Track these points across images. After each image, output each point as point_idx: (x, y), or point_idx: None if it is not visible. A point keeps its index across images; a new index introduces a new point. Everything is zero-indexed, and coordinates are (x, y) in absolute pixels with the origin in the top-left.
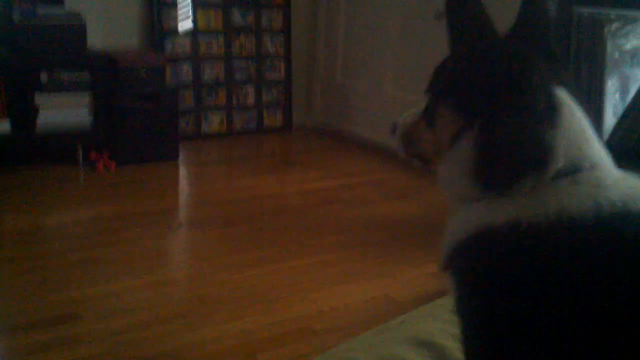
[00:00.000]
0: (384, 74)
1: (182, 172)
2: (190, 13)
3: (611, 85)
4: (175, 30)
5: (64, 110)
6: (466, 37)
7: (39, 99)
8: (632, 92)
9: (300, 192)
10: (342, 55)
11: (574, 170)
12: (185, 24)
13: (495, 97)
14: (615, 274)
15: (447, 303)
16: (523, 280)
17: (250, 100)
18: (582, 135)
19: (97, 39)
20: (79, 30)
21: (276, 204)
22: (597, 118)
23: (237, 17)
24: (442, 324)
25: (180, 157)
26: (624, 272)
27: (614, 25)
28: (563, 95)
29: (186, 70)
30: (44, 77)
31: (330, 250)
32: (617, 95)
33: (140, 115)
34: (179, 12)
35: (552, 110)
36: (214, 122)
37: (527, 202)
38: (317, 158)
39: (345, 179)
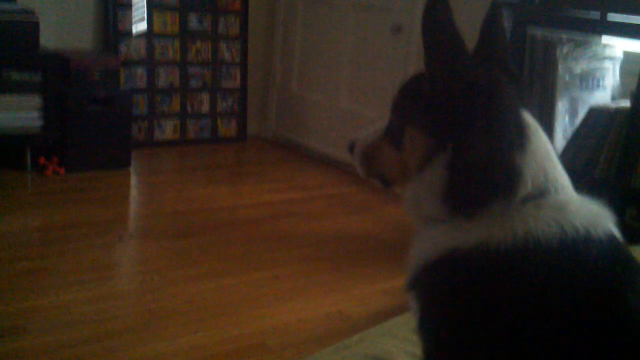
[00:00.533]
0: (339, 87)
1: (134, 180)
2: (146, 15)
3: (561, 107)
4: (130, 33)
5: (12, 112)
6: (439, 56)
7: None
8: (580, 115)
9: (253, 204)
10: (299, 65)
11: (541, 194)
12: (140, 26)
13: (468, 119)
14: (577, 298)
15: (404, 321)
16: (489, 302)
17: (205, 108)
18: (548, 158)
19: (50, 39)
20: (32, 28)
21: (229, 216)
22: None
23: (193, 21)
24: (400, 342)
25: (132, 165)
26: (586, 296)
27: (566, 48)
28: (530, 119)
29: (140, 74)
30: None
31: (283, 265)
32: (567, 117)
33: (92, 119)
34: (134, 13)
35: (521, 134)
36: (167, 129)
37: (495, 225)
38: (271, 170)
39: (299, 192)
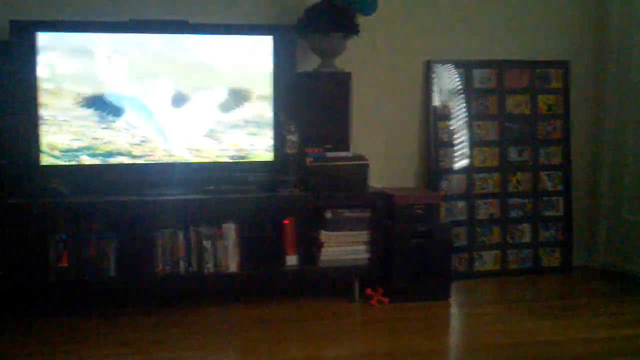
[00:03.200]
0: None
1: (454, 311)
2: (467, 152)
3: None
4: (451, 169)
5: (345, 247)
6: None
7: (324, 235)
8: None
9: (582, 340)
10: (630, 189)
11: None
12: (461, 163)
13: None
14: None
15: None
16: None
17: (527, 237)
18: None
19: (377, 179)
20: (362, 171)
21: (554, 352)
22: None
23: (513, 154)
24: None
25: (453, 296)
26: None
27: None
28: None
29: (461, 207)
30: (328, 215)
31: None
32: None
33: (414, 252)
34: (456, 151)
35: None
36: (487, 260)
37: None
38: (601, 303)
39: (635, 328)
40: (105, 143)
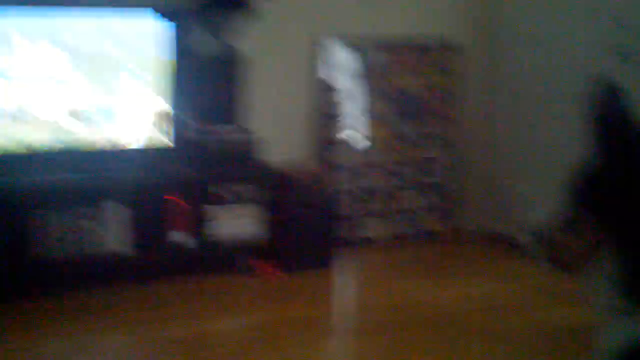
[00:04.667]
0: (548, 176)
1: (342, 278)
2: (353, 123)
3: None
4: (338, 141)
5: (234, 221)
6: (614, 143)
7: (212, 210)
8: None
9: (459, 298)
10: (503, 156)
11: None
12: (348, 134)
13: None
14: None
15: None
16: None
17: (409, 205)
18: None
19: (266, 152)
20: (250, 144)
21: (433, 310)
22: None
23: (399, 126)
24: None
25: (341, 263)
26: None
27: None
28: None
29: (346, 177)
30: (216, 190)
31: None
32: None
33: (303, 223)
34: (343, 122)
35: None
36: (372, 228)
37: None
38: (477, 262)
39: (506, 284)
40: None
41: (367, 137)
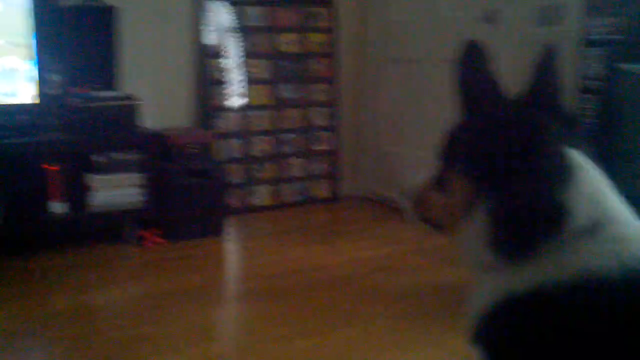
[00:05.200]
0: (429, 141)
1: (231, 246)
2: (240, 90)
3: None
4: (225, 107)
5: (115, 190)
6: (476, 102)
7: (92, 179)
8: None
9: (348, 261)
10: (389, 123)
11: (594, 228)
12: (235, 100)
13: (508, 164)
14: None
15: None
16: (552, 348)
17: (298, 172)
18: (599, 192)
19: (149, 119)
20: (131, 111)
21: (324, 275)
22: None
23: (285, 91)
24: None
25: (230, 232)
26: None
27: None
28: (576, 157)
29: (235, 145)
30: (97, 158)
31: (378, 321)
32: None
33: (189, 191)
34: (229, 89)
35: (566, 172)
36: (262, 195)
37: (549, 265)
38: (365, 227)
39: (393, 246)
40: None
41: (253, 104)
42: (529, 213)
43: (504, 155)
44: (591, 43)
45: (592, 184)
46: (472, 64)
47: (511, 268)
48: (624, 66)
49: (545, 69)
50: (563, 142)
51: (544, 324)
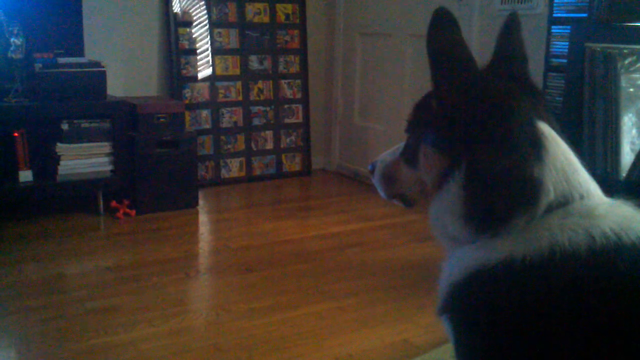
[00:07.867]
0: (400, 115)
1: (202, 218)
2: (209, 59)
3: (627, 121)
4: (194, 78)
5: (84, 159)
6: (447, 73)
7: (60, 148)
8: None
9: (319, 236)
10: (360, 97)
11: (564, 202)
12: (204, 71)
13: (479, 135)
14: (610, 308)
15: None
16: (520, 319)
17: (269, 145)
18: (570, 167)
19: (117, 88)
20: (99, 78)
21: (295, 248)
22: (614, 154)
23: (254, 62)
24: None
25: (200, 204)
26: (620, 306)
27: (628, 60)
28: (546, 129)
29: (205, 116)
30: (64, 126)
31: (349, 295)
32: (634, 131)
33: (159, 162)
34: (198, 59)
35: (537, 144)
36: (233, 167)
37: (520, 239)
38: (336, 202)
39: (364, 222)
40: None
41: (222, 74)
42: (503, 187)
43: (476, 125)
44: (557, 21)
45: (563, 157)
46: (443, 31)
47: (482, 242)
48: (589, 44)
49: (510, 38)
50: (533, 114)
51: (512, 295)
